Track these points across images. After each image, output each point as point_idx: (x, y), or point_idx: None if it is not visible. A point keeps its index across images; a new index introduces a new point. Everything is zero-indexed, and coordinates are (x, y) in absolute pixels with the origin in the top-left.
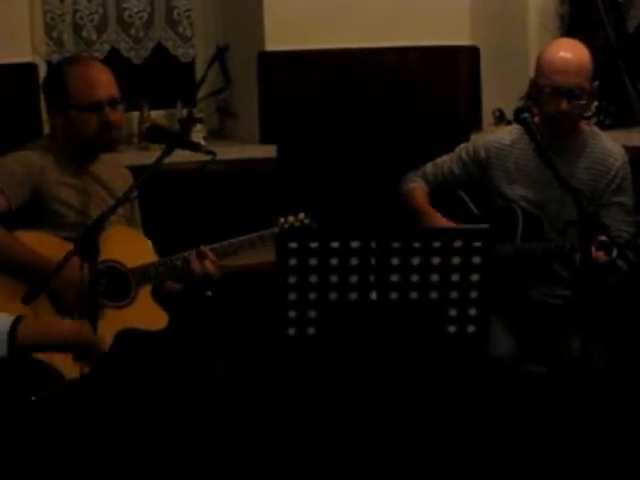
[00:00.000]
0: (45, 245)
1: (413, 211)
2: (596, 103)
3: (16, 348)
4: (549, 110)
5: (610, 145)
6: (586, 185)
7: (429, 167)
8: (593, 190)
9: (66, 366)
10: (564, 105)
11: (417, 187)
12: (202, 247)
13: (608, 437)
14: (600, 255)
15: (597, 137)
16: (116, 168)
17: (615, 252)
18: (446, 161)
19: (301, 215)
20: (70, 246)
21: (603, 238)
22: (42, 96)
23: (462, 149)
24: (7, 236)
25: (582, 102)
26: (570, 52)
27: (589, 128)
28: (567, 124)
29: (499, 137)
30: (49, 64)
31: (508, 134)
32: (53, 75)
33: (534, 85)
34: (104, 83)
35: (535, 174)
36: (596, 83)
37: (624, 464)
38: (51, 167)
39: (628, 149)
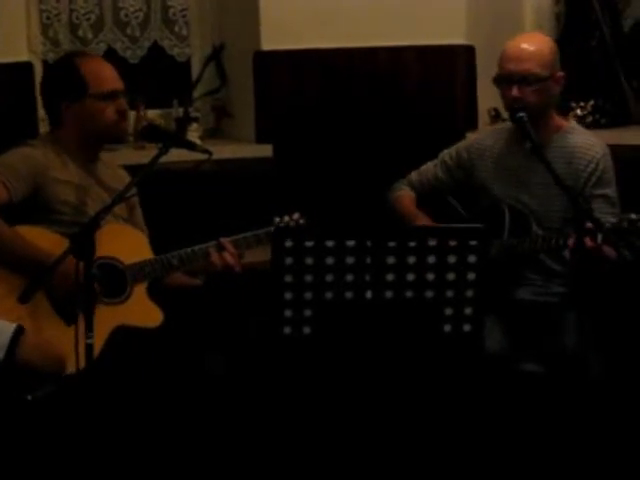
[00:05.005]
0: (44, 240)
1: (402, 217)
2: (592, 102)
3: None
4: (506, 99)
5: (590, 139)
6: (567, 180)
7: (414, 175)
8: (574, 184)
9: None
10: (515, 91)
11: (404, 194)
12: (221, 239)
13: (605, 435)
14: (586, 241)
15: (576, 132)
16: (116, 169)
17: (600, 237)
18: (430, 167)
19: (296, 215)
20: (68, 242)
21: (588, 224)
22: (46, 92)
23: (445, 154)
24: (7, 229)
25: (534, 88)
26: (526, 41)
27: (568, 123)
28: (528, 113)
29: (481, 137)
30: (45, 62)
31: (490, 134)
32: (65, 67)
33: (494, 80)
34: (116, 75)
35: (518, 173)
36: (561, 73)
37: (621, 462)
38: (53, 165)
39: (624, 148)
